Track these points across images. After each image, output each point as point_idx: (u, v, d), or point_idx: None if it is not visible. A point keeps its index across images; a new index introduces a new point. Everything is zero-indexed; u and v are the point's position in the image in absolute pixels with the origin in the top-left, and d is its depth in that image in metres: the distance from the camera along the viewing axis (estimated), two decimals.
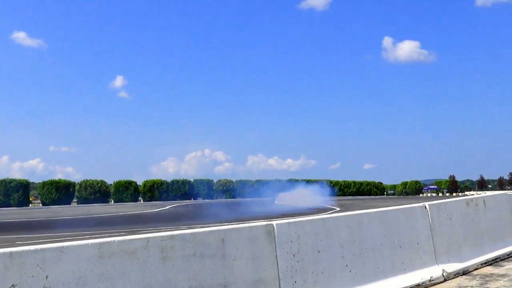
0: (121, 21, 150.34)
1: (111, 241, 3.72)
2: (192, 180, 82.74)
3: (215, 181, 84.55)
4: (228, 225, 4.73)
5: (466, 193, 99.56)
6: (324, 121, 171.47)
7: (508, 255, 7.89)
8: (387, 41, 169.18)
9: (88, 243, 3.63)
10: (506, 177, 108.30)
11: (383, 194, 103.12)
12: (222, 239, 4.36)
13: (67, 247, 3.52)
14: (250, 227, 4.61)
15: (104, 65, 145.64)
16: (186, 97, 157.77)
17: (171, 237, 4.05)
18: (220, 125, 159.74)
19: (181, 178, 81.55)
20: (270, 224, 4.74)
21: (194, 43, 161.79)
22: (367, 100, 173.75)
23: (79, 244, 3.59)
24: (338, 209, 29.23)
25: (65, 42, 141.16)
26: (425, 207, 6.58)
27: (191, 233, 4.19)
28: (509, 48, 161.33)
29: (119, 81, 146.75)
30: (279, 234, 4.76)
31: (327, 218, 5.39)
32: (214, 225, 16.19)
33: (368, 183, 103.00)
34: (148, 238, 3.91)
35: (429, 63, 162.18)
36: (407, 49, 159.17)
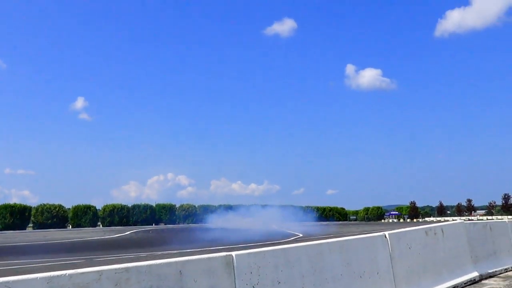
0: (82, 42, 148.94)
1: (61, 274, 3.53)
2: (154, 204, 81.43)
3: (177, 206, 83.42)
4: (185, 256, 4.60)
5: (426, 219, 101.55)
6: (287, 146, 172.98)
7: (465, 283, 8.00)
8: (350, 68, 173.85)
9: (37, 277, 3.43)
10: (464, 204, 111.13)
11: (346, 220, 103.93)
12: (180, 271, 4.23)
13: (14, 281, 3.33)
14: (208, 258, 4.49)
15: (65, 86, 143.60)
16: (149, 119, 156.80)
17: (126, 269, 3.89)
18: (183, 148, 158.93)
19: (143, 203, 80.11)
20: (229, 255, 4.64)
21: (157, 66, 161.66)
22: (330, 126, 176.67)
23: (27, 279, 3.39)
24: (301, 235, 29.22)
25: (24, 62, 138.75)
26: (385, 237, 6.62)
27: (147, 265, 4.04)
28: (466, 77, 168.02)
29: (80, 103, 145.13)
30: (239, 265, 4.66)
31: (288, 248, 5.33)
32: (171, 254, 15.88)
33: (331, 209, 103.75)
34: (101, 271, 3.74)
35: (390, 90, 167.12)
36: (369, 76, 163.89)
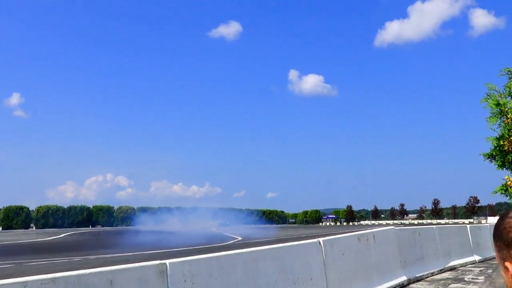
0: (19, 35, 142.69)
1: None
2: (91, 206, 79.21)
3: (115, 208, 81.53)
4: (119, 263, 4.50)
5: (362, 222, 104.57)
6: (229, 149, 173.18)
7: (394, 287, 8.30)
8: (293, 73, 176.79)
9: None
10: (397, 208, 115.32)
11: (285, 223, 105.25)
12: (110, 281, 4.12)
13: None
14: (141, 266, 4.41)
15: None
16: (88, 118, 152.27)
17: (53, 280, 3.75)
18: (123, 149, 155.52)
19: (79, 204, 77.77)
20: (163, 263, 4.58)
21: (98, 63, 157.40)
22: (272, 129, 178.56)
23: None
24: (240, 238, 29.31)
25: None
26: (320, 243, 6.75)
27: (75, 275, 3.92)
28: (403, 86, 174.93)
29: (15, 99, 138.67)
30: (172, 273, 4.61)
31: (223, 256, 5.32)
32: (105, 259, 15.50)
33: (270, 212, 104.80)
34: (26, 282, 3.59)
35: (332, 97, 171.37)
36: (312, 82, 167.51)
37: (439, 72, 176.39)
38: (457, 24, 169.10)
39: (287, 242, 6.64)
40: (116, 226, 76.29)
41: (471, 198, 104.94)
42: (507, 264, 0.94)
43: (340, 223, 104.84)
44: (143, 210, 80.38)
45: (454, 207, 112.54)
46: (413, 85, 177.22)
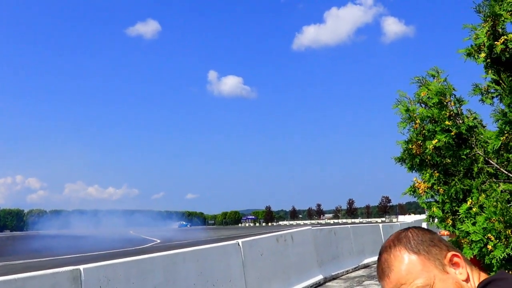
0: None
1: None
2: None
3: (26, 211, 77.46)
4: (30, 270, 4.27)
5: (280, 222, 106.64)
6: (147, 149, 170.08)
7: (311, 286, 8.54)
8: (212, 74, 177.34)
9: None
10: (314, 208, 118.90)
11: (205, 224, 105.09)
12: None
13: None
14: (53, 273, 4.22)
15: None
16: None
17: None
18: (35, 149, 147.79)
19: None
20: (76, 269, 4.41)
21: (11, 61, 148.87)
22: (191, 130, 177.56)
23: None
24: (158, 241, 28.89)
25: None
26: (239, 244, 6.82)
27: None
28: (319, 89, 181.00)
29: None
30: (87, 279, 4.46)
31: (142, 259, 5.23)
32: (14, 265, 14.73)
33: (189, 213, 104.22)
34: None
35: (251, 98, 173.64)
36: (231, 83, 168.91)
37: (354, 76, 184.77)
38: (370, 31, 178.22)
39: (206, 244, 6.65)
40: (27, 230, 72.45)
41: (383, 198, 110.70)
42: None
43: (259, 223, 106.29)
44: (57, 213, 77.14)
45: (367, 207, 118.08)
46: (330, 88, 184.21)
